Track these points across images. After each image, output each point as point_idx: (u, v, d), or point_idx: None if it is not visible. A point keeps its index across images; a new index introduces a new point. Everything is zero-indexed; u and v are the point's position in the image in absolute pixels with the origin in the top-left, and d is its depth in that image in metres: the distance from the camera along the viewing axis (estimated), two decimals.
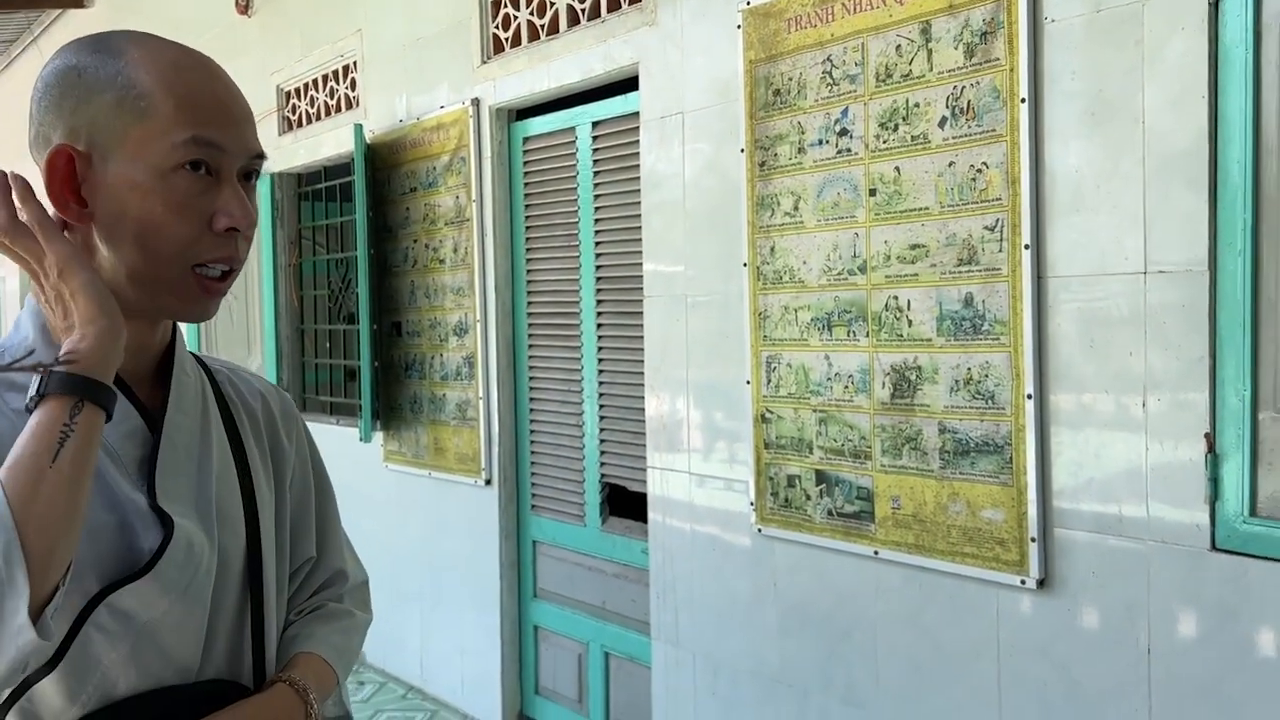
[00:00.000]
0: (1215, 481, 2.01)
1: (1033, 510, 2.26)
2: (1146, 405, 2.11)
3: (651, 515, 3.32)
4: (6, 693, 0.97)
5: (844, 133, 2.58)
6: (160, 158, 1.01)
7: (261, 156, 1.10)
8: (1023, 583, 2.30)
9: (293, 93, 5.23)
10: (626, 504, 3.66)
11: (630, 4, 3.31)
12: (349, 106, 4.80)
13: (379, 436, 4.60)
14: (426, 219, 4.25)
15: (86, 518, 0.99)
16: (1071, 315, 2.21)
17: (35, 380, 0.95)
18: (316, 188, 5.15)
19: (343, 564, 1.35)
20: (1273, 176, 1.93)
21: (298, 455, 1.31)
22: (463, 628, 4.27)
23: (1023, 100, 2.24)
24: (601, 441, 3.62)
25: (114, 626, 1.01)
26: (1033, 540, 2.27)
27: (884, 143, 2.50)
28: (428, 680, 4.53)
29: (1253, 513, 1.97)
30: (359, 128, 4.45)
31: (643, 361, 3.34)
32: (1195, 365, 2.03)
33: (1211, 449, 2.02)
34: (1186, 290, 2.04)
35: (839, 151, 2.59)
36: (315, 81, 5.04)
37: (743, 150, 2.85)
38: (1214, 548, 2.03)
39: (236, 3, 5.43)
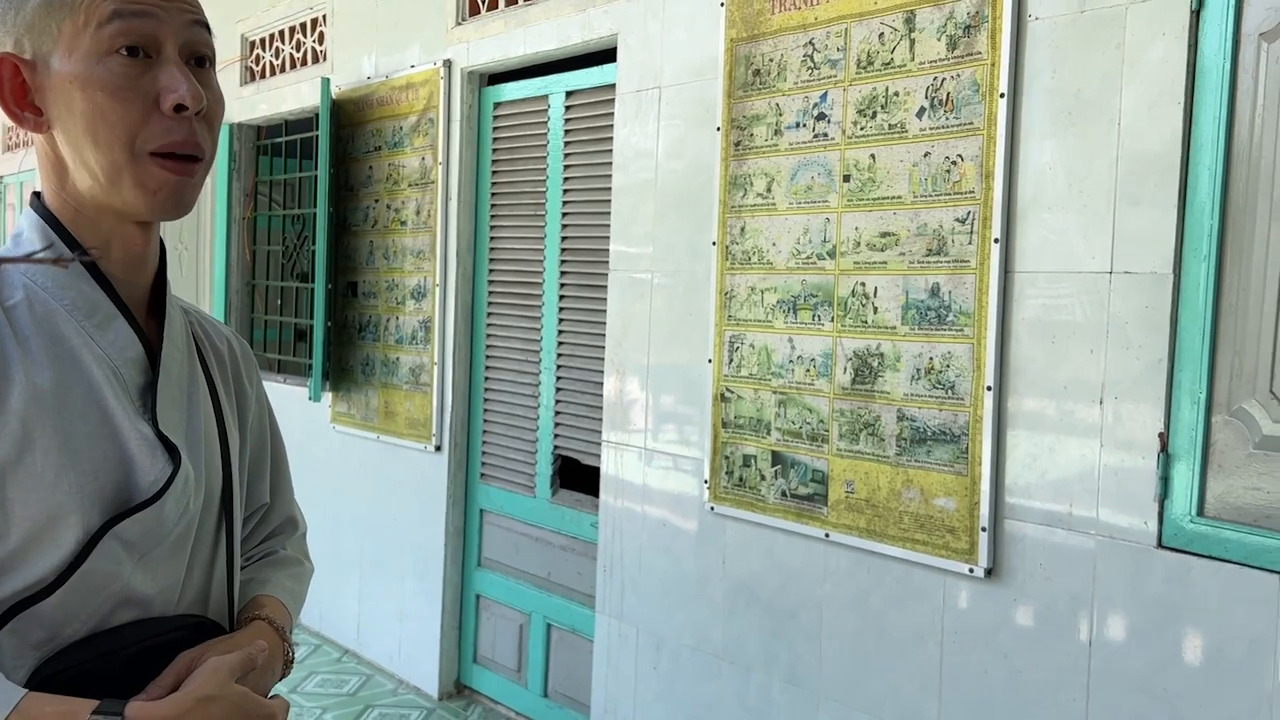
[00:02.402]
0: (1166, 481, 2.06)
1: (985, 500, 2.30)
2: (1103, 403, 2.15)
3: (603, 489, 3.32)
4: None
5: (822, 117, 2.59)
6: (91, 44, 0.99)
7: (203, 26, 1.06)
8: (971, 571, 2.34)
9: (258, 42, 5.12)
10: (578, 477, 3.66)
11: None
12: (315, 60, 4.71)
13: (328, 397, 4.55)
14: (390, 179, 4.19)
15: (89, 450, 0.98)
16: (1036, 311, 2.25)
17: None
18: (276, 141, 5.06)
19: (293, 511, 1.37)
20: (1241, 186, 1.97)
21: (257, 402, 1.30)
22: (403, 593, 4.25)
23: (1002, 95, 2.27)
24: (557, 414, 3.61)
25: (120, 555, 1.00)
26: (983, 530, 2.31)
27: (861, 129, 2.51)
28: (364, 644, 4.49)
29: (1200, 513, 2.01)
30: (326, 82, 4.38)
31: (603, 335, 3.33)
32: (1154, 367, 2.08)
33: (1164, 449, 2.06)
34: (1150, 293, 2.08)
35: (816, 135, 2.60)
36: (282, 33, 4.95)
37: (719, 129, 2.84)
38: (1160, 545, 2.07)
39: None
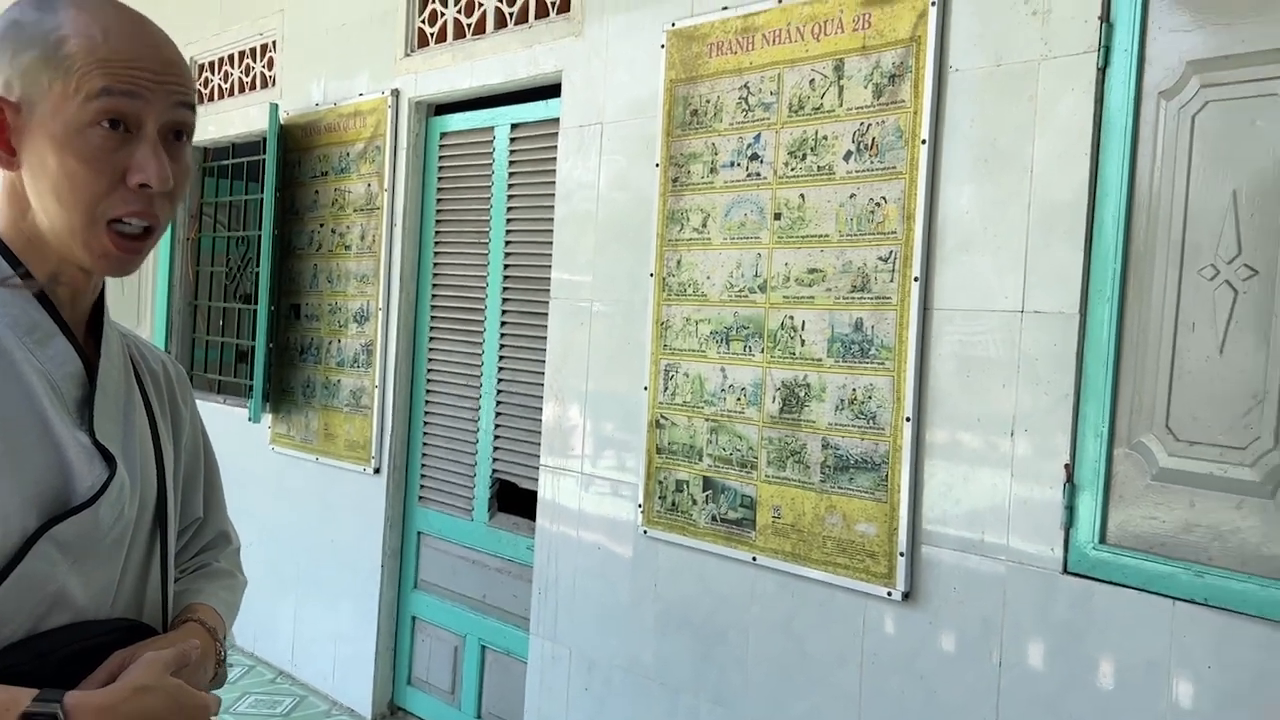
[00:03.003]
0: (1071, 510, 2.17)
1: (903, 526, 2.40)
2: (1014, 435, 2.26)
3: (540, 512, 3.38)
4: None
5: (755, 157, 2.70)
6: (76, 113, 1.04)
7: (188, 108, 1.11)
8: (889, 595, 2.43)
9: (207, 66, 5.15)
10: (516, 500, 3.71)
11: (558, 13, 3.38)
12: (264, 85, 4.76)
13: (268, 419, 4.56)
14: (335, 204, 4.24)
15: (28, 456, 1.03)
16: (952, 347, 2.36)
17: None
18: (223, 164, 5.08)
19: (226, 526, 1.42)
20: (1142, 233, 2.10)
21: (191, 422, 1.36)
22: (338, 615, 4.26)
23: (923, 142, 2.39)
24: (496, 437, 3.67)
25: (55, 557, 1.04)
26: (901, 555, 2.41)
27: (792, 170, 2.62)
28: (298, 666, 4.49)
29: (1102, 540, 2.13)
30: (274, 107, 4.42)
31: (543, 362, 3.40)
32: (1061, 401, 2.20)
33: (1070, 479, 2.18)
34: (1058, 332, 2.20)
35: (749, 175, 2.71)
36: (231, 57, 4.99)
37: (657, 165, 2.95)
38: (1065, 571, 2.19)
39: None
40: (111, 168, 1.06)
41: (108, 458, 1.10)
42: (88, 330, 1.16)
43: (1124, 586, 2.10)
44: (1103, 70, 2.15)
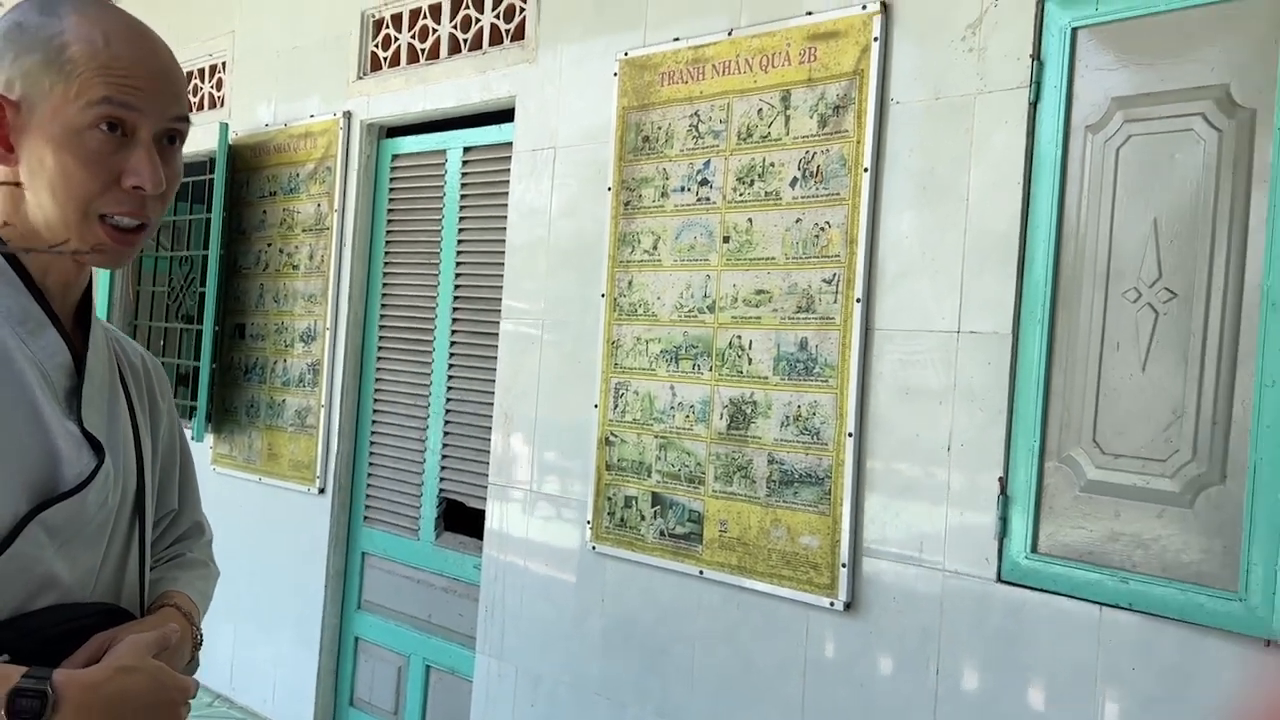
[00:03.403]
0: (1004, 521, 2.28)
1: (845, 539, 2.49)
2: (950, 450, 2.37)
3: (488, 530, 3.42)
4: None
5: (705, 182, 2.80)
6: (75, 117, 1.09)
7: (184, 119, 1.17)
8: (831, 605, 2.52)
9: None
10: (463, 520, 3.74)
11: (512, 40, 3.47)
12: (213, 105, 4.77)
13: (210, 439, 4.54)
14: (284, 224, 4.26)
15: (19, 441, 1.07)
16: (892, 365, 2.47)
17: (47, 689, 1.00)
18: None
19: (200, 518, 1.46)
20: (1070, 258, 2.22)
21: (168, 415, 1.40)
22: (280, 637, 4.24)
23: (866, 170, 2.50)
24: (444, 457, 3.71)
25: (44, 540, 1.08)
26: (843, 566, 2.50)
27: (740, 195, 2.72)
28: (238, 689, 4.45)
29: (1034, 550, 2.24)
30: (224, 127, 4.44)
31: (493, 380, 3.45)
32: (995, 417, 2.31)
33: (1003, 492, 2.29)
34: (992, 352, 2.32)
35: (699, 199, 2.81)
36: None
37: (609, 189, 3.03)
38: (999, 580, 2.29)
39: None
40: (107, 169, 1.11)
41: (95, 446, 1.14)
42: (75, 323, 1.21)
43: (1054, 594, 2.21)
44: (1034, 105, 2.28)
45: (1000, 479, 2.29)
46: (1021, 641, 2.25)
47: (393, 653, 3.89)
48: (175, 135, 1.18)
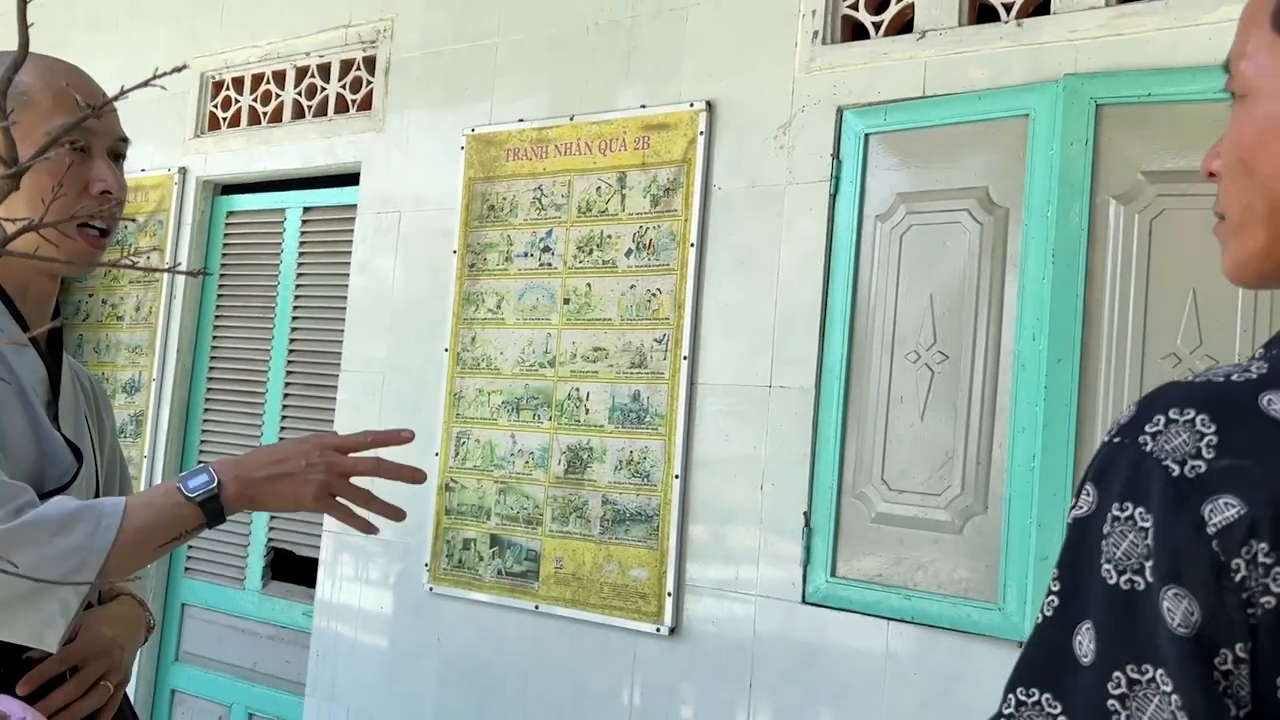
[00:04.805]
0: (808, 549, 2.64)
1: (671, 569, 2.80)
2: (763, 488, 2.72)
3: (321, 576, 3.53)
4: None
5: (547, 249, 3.10)
6: (42, 139, 1.30)
7: (126, 140, 1.41)
8: (658, 630, 2.81)
9: None
10: (292, 568, 3.83)
11: (359, 110, 3.68)
12: None
13: None
14: (109, 274, 4.27)
15: (16, 443, 1.24)
16: (714, 414, 2.82)
17: (207, 479, 1.23)
18: None
19: None
20: (863, 325, 2.64)
21: (112, 433, 1.57)
22: None
23: (692, 245, 2.86)
24: None
25: None
26: (669, 594, 2.80)
27: (580, 262, 3.03)
28: None
29: (833, 574, 2.60)
30: None
31: (330, 431, 3.59)
32: (800, 460, 2.68)
33: (807, 524, 2.65)
34: (798, 403, 2.70)
35: (541, 264, 3.10)
36: None
37: (455, 251, 3.28)
38: (804, 601, 2.64)
39: None
40: (75, 182, 1.32)
41: (75, 451, 1.32)
42: (47, 344, 1.38)
43: (850, 611, 2.57)
44: (834, 196, 2.70)
45: (805, 513, 2.65)
46: (823, 654, 2.61)
47: (212, 703, 3.90)
48: (120, 154, 1.41)
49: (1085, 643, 0.67)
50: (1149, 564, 0.65)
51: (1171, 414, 0.67)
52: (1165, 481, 0.65)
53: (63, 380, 1.36)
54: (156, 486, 1.27)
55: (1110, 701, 0.65)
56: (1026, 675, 0.70)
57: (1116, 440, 0.70)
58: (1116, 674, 0.65)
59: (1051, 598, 0.71)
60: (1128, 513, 0.67)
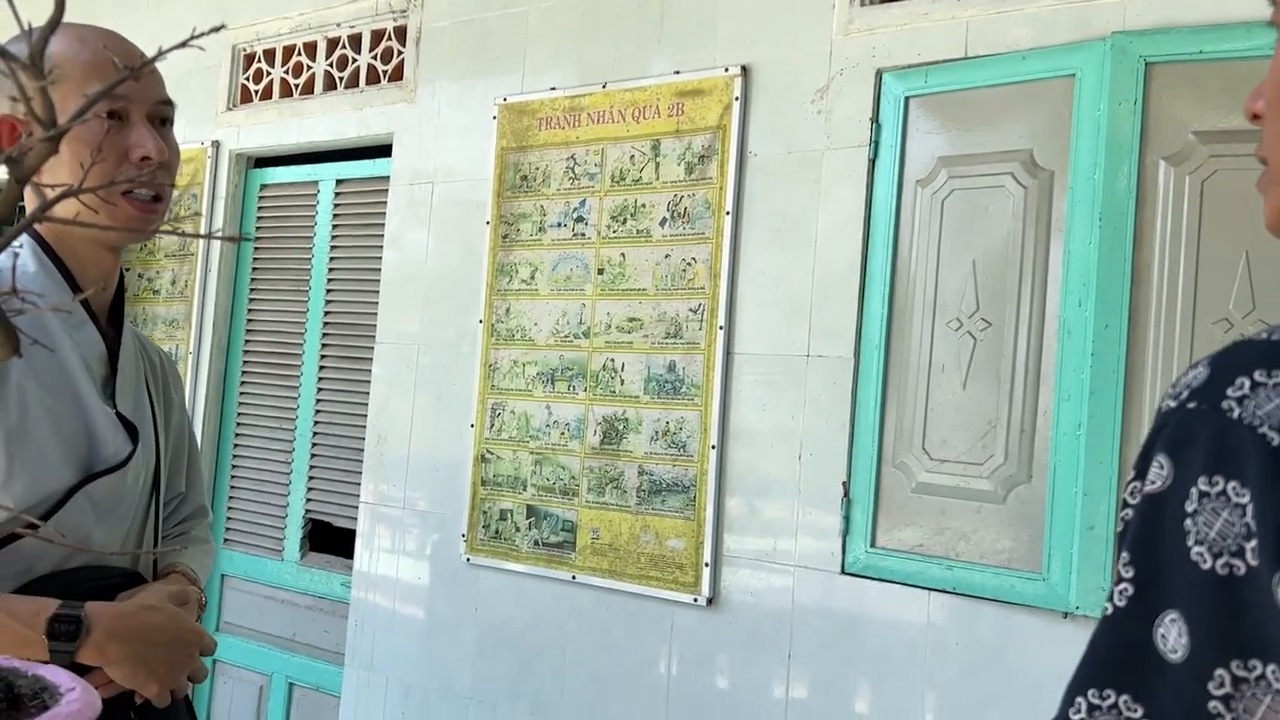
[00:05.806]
0: (847, 519, 2.62)
1: (708, 540, 2.78)
2: (801, 459, 2.70)
3: (359, 547, 3.55)
4: None
5: (580, 219, 3.07)
6: (75, 110, 1.28)
7: (169, 104, 1.37)
8: (695, 600, 2.80)
9: None
10: (330, 539, 3.85)
11: (390, 81, 3.66)
12: None
13: None
14: (144, 249, 4.29)
15: (67, 421, 1.23)
16: (750, 384, 2.79)
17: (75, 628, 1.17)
18: None
19: (204, 501, 1.63)
20: (903, 293, 2.60)
21: (180, 409, 1.57)
22: None
23: (727, 213, 2.83)
24: (311, 478, 3.81)
25: (86, 509, 1.25)
26: (706, 565, 2.78)
27: (614, 232, 3.00)
28: None
29: (873, 544, 2.58)
30: None
31: (363, 404, 3.60)
32: (839, 429, 2.65)
33: (846, 495, 2.62)
34: (837, 372, 2.67)
35: (575, 235, 3.08)
36: None
37: (488, 222, 3.26)
38: (843, 572, 2.62)
39: None
40: (114, 150, 1.29)
41: (130, 430, 1.31)
42: (108, 319, 1.37)
43: (890, 582, 2.55)
44: (873, 162, 2.66)
45: (844, 483, 2.63)
46: (862, 625, 2.58)
47: (253, 673, 3.94)
48: (165, 118, 1.36)
49: (1172, 636, 0.60)
50: (1250, 545, 0.58)
51: (1258, 376, 0.60)
52: (1265, 451, 0.58)
53: (123, 355, 1.35)
54: (27, 602, 1.18)
55: (1212, 703, 0.58)
56: (1098, 675, 0.63)
57: (1191, 406, 0.62)
58: (1219, 671, 0.58)
59: (1124, 585, 0.63)
60: (1219, 487, 0.59)
